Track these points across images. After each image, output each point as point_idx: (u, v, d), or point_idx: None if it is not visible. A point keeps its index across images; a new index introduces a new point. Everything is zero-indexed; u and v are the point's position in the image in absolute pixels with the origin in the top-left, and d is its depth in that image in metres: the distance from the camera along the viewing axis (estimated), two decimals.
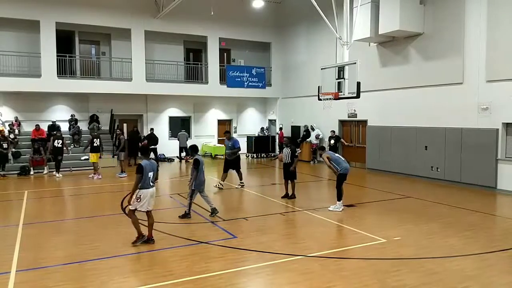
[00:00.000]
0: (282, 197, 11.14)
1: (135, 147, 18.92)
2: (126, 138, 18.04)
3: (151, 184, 7.36)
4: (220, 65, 21.72)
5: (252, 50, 23.78)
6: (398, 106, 15.61)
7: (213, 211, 9.29)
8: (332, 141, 18.05)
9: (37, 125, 17.98)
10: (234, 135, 24.17)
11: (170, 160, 20.86)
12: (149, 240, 7.39)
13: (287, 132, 21.90)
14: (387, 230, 8.16)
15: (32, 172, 16.14)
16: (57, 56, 18.12)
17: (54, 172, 15.79)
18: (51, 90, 18.25)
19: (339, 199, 9.85)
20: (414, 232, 8.07)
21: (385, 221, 8.95)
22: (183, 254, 6.82)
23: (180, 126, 22.05)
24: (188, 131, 22.31)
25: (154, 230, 7.53)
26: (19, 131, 18.38)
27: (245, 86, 21.94)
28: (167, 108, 22.34)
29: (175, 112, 22.67)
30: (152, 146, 18.83)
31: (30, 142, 17.21)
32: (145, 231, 7.44)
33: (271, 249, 6.95)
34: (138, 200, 7.22)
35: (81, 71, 19.69)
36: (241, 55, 23.66)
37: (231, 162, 13.06)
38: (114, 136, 18.90)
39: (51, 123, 18.81)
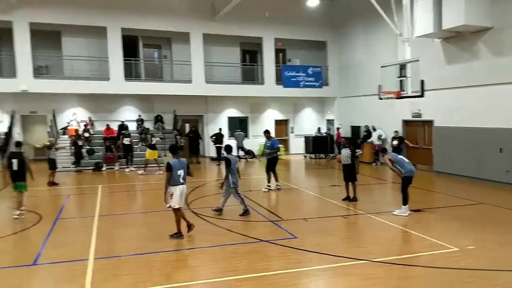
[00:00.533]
0: (343, 200, 10.93)
1: (195, 146, 19.94)
2: (186, 138, 19.44)
3: (181, 181, 7.59)
4: (276, 66, 21.81)
5: (308, 50, 23.60)
6: (467, 106, 14.64)
7: (245, 212, 9.43)
8: (395, 142, 17.40)
9: (108, 125, 19.25)
10: (291, 136, 24.30)
11: None
12: (180, 234, 7.71)
13: (346, 133, 21.49)
14: (459, 238, 7.61)
15: (104, 168, 17.28)
16: (124, 60, 19.21)
17: (127, 167, 17.08)
18: (118, 92, 19.41)
19: (404, 203, 9.38)
20: (489, 241, 7.45)
21: (455, 228, 8.40)
22: (244, 251, 6.99)
23: (238, 126, 22.44)
24: (245, 131, 22.64)
25: (217, 227, 7.78)
26: (92, 130, 19.73)
27: (301, 85, 21.78)
28: (225, 108, 22.84)
29: (233, 112, 23.11)
30: (218, 145, 19.78)
31: (102, 141, 18.44)
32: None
33: (332, 252, 6.89)
34: (171, 197, 7.51)
35: (145, 73, 20.70)
36: (297, 54, 23.57)
37: (269, 162, 12.89)
38: (175, 137, 19.84)
39: (120, 122, 20.04)
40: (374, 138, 19.06)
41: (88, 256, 6.68)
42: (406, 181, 9.43)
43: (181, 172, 7.57)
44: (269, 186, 12.72)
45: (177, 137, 16.94)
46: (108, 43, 18.90)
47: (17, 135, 19.16)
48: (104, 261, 6.52)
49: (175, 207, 7.61)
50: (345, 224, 9.09)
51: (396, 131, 17.65)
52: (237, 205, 10.66)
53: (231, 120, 23.02)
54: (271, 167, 12.81)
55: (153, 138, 15.08)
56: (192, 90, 20.36)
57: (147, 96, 20.82)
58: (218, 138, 20.15)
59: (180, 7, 19.59)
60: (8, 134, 18.41)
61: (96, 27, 18.78)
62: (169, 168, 7.43)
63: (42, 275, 6.04)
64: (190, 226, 7.82)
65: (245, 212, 9.38)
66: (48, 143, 15.29)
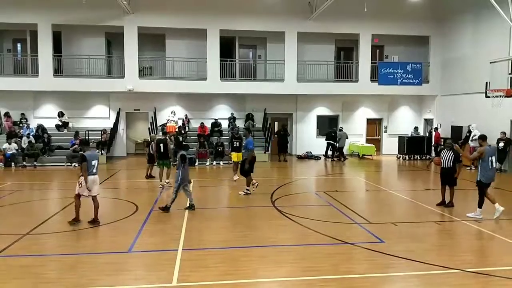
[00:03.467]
0: (437, 205, 10.24)
1: (284, 144, 20.37)
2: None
3: (94, 171, 8.32)
4: (371, 62, 21.07)
5: (407, 45, 22.38)
6: None
7: (191, 207, 9.65)
8: (502, 144, 15.83)
9: (202, 123, 20.36)
10: (384, 135, 23.28)
11: (317, 158, 21.12)
12: (95, 221, 8.39)
13: (446, 133, 19.94)
14: None
15: (197, 163, 18.30)
16: (220, 60, 20.10)
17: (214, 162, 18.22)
18: (215, 91, 20.41)
19: (480, 205, 9.03)
20: None
21: None
22: (328, 252, 6.90)
23: (327, 125, 22.13)
24: (336, 130, 22.18)
25: (301, 226, 7.79)
26: (188, 127, 21.02)
27: (399, 83, 20.75)
28: (315, 107, 22.68)
29: (323, 111, 22.85)
30: (328, 141, 20.67)
31: (197, 137, 19.55)
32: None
33: (422, 259, 6.51)
34: (80, 186, 8.19)
35: (239, 73, 21.43)
36: (395, 51, 22.49)
37: (242, 164, 12.02)
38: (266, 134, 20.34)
39: (213, 120, 21.07)
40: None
41: (178, 246, 7.12)
42: (481, 186, 9.04)
43: (95, 163, 8.35)
44: (248, 190, 11.78)
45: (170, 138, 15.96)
46: (207, 44, 19.93)
47: (121, 131, 21.23)
48: (192, 252, 6.90)
49: (83, 195, 8.29)
50: (438, 230, 8.47)
51: (503, 132, 16.00)
52: (318, 205, 10.58)
53: (321, 118, 22.79)
54: (245, 169, 11.78)
55: (234, 141, 14.74)
56: (284, 89, 20.61)
57: (240, 95, 21.56)
58: (330, 135, 20.71)
59: (276, 7, 19.87)
60: (114, 130, 20.44)
61: (197, 29, 19.92)
62: (84, 159, 8.20)
63: (135, 262, 6.57)
64: (95, 221, 8.44)
65: (166, 208, 9.50)
66: (149, 139, 16.56)
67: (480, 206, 9.06)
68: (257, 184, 11.86)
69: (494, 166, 9.06)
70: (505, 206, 10.68)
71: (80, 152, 8.76)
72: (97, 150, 18.85)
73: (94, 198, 8.52)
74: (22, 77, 19.36)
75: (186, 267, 6.18)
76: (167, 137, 14.09)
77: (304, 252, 6.99)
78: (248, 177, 11.82)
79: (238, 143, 14.14)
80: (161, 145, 13.02)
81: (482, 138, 9.33)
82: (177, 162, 9.61)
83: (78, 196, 8.38)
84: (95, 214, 8.54)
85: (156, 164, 13.43)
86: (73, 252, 6.86)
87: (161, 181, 13.00)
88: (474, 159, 9.10)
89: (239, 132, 15.01)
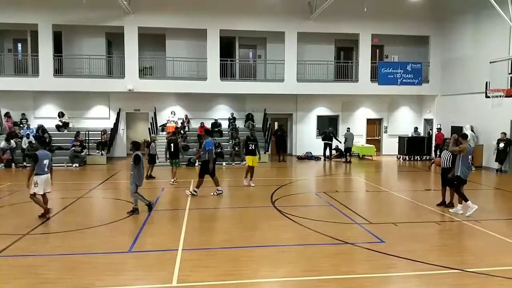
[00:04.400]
0: (438, 205, 10.24)
1: (282, 144, 20.61)
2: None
3: (46, 170, 8.56)
4: (371, 62, 21.08)
5: (407, 45, 22.40)
6: None
7: (134, 211, 9.32)
8: (502, 145, 15.85)
9: (202, 123, 20.37)
10: (384, 135, 23.28)
11: (317, 158, 21.12)
12: (45, 216, 8.71)
13: (446, 134, 19.91)
14: None
15: (196, 164, 18.26)
16: (220, 60, 20.09)
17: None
18: (215, 91, 20.41)
19: (465, 200, 9.25)
20: None
21: None
22: (328, 253, 6.89)
23: (327, 126, 22.12)
24: (335, 130, 22.21)
25: (302, 226, 7.78)
26: (188, 127, 21.01)
27: (399, 83, 20.75)
28: (315, 107, 22.68)
29: (323, 111, 22.85)
30: (326, 141, 20.80)
31: (197, 138, 19.53)
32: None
33: (422, 259, 6.50)
34: (36, 186, 8.46)
35: (239, 73, 21.43)
36: (395, 51, 22.49)
37: (201, 166, 11.86)
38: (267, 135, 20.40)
39: (213, 121, 21.07)
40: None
41: (178, 246, 7.12)
42: (459, 181, 9.38)
43: (46, 162, 8.58)
44: (195, 191, 11.60)
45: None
46: (207, 44, 19.93)
47: (121, 131, 21.23)
48: (192, 252, 6.90)
49: (39, 194, 8.57)
50: (439, 230, 8.47)
51: (503, 133, 16.02)
52: (318, 205, 10.56)
53: (321, 118, 22.79)
54: (204, 172, 11.60)
55: (250, 143, 13.43)
56: (284, 89, 20.61)
57: (240, 95, 21.55)
58: (326, 135, 20.79)
59: (276, 7, 19.87)
60: (114, 130, 20.44)
61: (197, 29, 19.92)
62: (36, 158, 8.42)
63: (135, 262, 6.57)
64: (44, 215, 8.70)
65: (134, 211, 9.32)
66: (149, 140, 16.53)
67: (465, 200, 9.29)
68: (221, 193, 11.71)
69: (471, 164, 9.58)
70: (505, 206, 10.75)
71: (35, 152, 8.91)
72: (97, 151, 18.93)
73: (44, 194, 8.79)
74: (22, 77, 19.37)
75: (186, 267, 6.17)
76: (178, 137, 14.41)
77: (304, 252, 6.99)
78: (215, 177, 11.70)
79: (253, 145, 13.24)
80: (172, 144, 13.54)
81: (463, 137, 9.76)
82: (131, 163, 9.26)
83: (34, 194, 8.61)
84: (45, 208, 8.80)
85: (169, 163, 14.13)
86: (73, 252, 6.86)
87: (173, 178, 13.69)
88: (453, 152, 9.34)
89: (254, 133, 13.96)
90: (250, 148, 13.20)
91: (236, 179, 15.21)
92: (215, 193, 11.66)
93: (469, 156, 9.44)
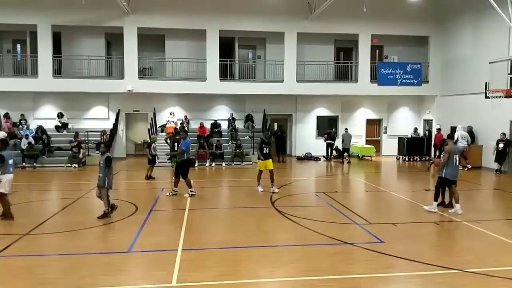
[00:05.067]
0: (437, 205, 10.23)
1: (282, 145, 20.72)
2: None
3: (11, 170, 8.70)
4: (371, 63, 21.09)
5: (406, 46, 22.42)
6: None
7: (105, 215, 8.90)
8: (501, 145, 15.87)
9: (201, 123, 20.35)
10: (384, 136, 23.28)
11: (316, 159, 21.11)
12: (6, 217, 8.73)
13: (445, 134, 19.92)
14: None
15: (196, 164, 18.29)
16: (220, 61, 20.09)
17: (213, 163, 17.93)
18: (214, 92, 20.40)
19: (435, 199, 9.69)
20: None
21: None
22: (328, 253, 6.90)
23: (327, 126, 22.14)
24: (336, 130, 22.20)
25: (301, 226, 7.79)
26: (188, 128, 20.99)
27: (398, 83, 20.80)
28: (315, 108, 22.68)
29: (323, 111, 22.85)
30: (329, 141, 20.85)
31: (196, 138, 19.53)
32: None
33: (421, 259, 6.50)
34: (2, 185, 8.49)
35: (239, 74, 21.44)
36: (395, 51, 22.50)
37: (178, 166, 11.75)
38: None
39: (213, 121, 21.08)
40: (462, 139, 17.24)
41: (177, 246, 7.11)
42: (441, 182, 9.66)
43: (11, 162, 8.71)
44: (175, 191, 11.64)
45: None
46: (206, 45, 19.93)
47: (121, 132, 21.23)
48: (192, 252, 6.90)
49: (5, 193, 8.59)
50: (438, 231, 8.48)
51: (503, 133, 16.05)
52: (318, 205, 10.56)
53: (320, 119, 22.80)
54: (180, 172, 11.62)
55: (264, 147, 12.37)
56: (283, 89, 20.60)
57: (239, 96, 21.55)
58: (331, 135, 20.83)
59: (275, 7, 19.87)
60: (113, 131, 20.44)
61: (197, 30, 19.93)
62: (2, 159, 8.52)
63: (135, 262, 6.57)
64: (4, 214, 8.71)
65: (105, 215, 8.91)
66: (149, 141, 16.50)
67: (435, 200, 9.69)
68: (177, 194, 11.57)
69: (457, 164, 9.69)
70: (505, 207, 10.76)
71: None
72: (97, 151, 18.89)
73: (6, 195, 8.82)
74: (21, 78, 19.33)
75: (186, 267, 6.17)
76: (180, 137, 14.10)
77: (304, 252, 6.99)
78: (187, 179, 11.59)
79: (268, 149, 12.44)
80: (176, 144, 13.17)
81: (450, 137, 10.05)
82: (101, 164, 8.99)
83: (2, 194, 8.66)
84: (8, 210, 8.81)
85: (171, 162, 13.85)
86: (73, 252, 6.86)
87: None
88: (445, 161, 9.45)
89: (269, 136, 13.17)
90: (264, 151, 12.37)
91: (236, 179, 15.26)
92: (171, 193, 11.54)
93: (455, 156, 9.58)
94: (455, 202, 9.58)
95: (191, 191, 11.54)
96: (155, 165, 15.29)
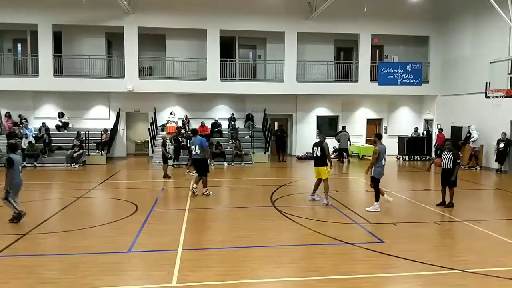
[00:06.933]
0: (438, 205, 10.24)
1: (282, 145, 20.67)
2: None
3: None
4: (371, 63, 21.08)
5: (407, 45, 22.42)
6: None
7: (16, 218, 8.46)
8: (502, 145, 15.86)
9: (202, 122, 20.38)
10: (384, 136, 23.22)
11: None
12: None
13: (446, 134, 19.91)
14: None
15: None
16: (220, 60, 20.09)
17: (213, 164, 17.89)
18: (214, 91, 20.41)
19: (376, 199, 9.80)
20: None
21: None
22: (328, 253, 6.90)
23: (327, 126, 22.11)
24: (335, 131, 22.17)
25: (301, 226, 7.77)
26: (188, 127, 21.00)
27: (398, 83, 20.76)
28: (315, 107, 22.66)
29: (323, 111, 22.83)
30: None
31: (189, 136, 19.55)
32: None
33: (422, 259, 6.50)
34: None
35: (239, 73, 21.42)
36: (395, 51, 22.49)
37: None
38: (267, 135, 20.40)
39: (213, 121, 21.09)
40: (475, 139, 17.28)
41: (178, 246, 7.11)
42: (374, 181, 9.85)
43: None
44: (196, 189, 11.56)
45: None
46: (207, 44, 19.92)
47: (121, 131, 21.23)
48: (192, 252, 6.90)
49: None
50: (438, 230, 8.47)
51: (504, 133, 16.04)
52: (318, 205, 10.53)
53: (321, 119, 22.79)
54: (202, 170, 11.55)
55: (315, 148, 10.63)
56: (283, 89, 20.60)
57: (240, 95, 21.55)
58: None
59: (276, 7, 19.85)
60: (114, 130, 20.43)
61: (197, 29, 19.92)
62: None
63: (135, 262, 6.57)
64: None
65: (14, 219, 8.47)
66: (162, 139, 16.30)
67: (377, 200, 9.83)
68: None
69: (384, 163, 9.95)
70: (505, 206, 10.75)
71: None
72: (97, 151, 18.91)
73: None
74: (22, 77, 19.36)
75: (186, 267, 6.17)
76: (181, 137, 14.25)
77: (304, 252, 7.00)
78: (205, 178, 11.54)
79: (319, 149, 10.40)
80: (188, 141, 13.42)
81: (378, 136, 10.25)
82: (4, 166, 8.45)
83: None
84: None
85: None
86: (73, 252, 6.85)
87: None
88: (375, 161, 9.77)
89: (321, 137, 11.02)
90: (315, 155, 10.62)
91: (236, 179, 15.25)
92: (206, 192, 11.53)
93: (383, 156, 9.85)
94: (382, 195, 10.03)
95: (205, 191, 11.49)
96: (168, 164, 15.27)
